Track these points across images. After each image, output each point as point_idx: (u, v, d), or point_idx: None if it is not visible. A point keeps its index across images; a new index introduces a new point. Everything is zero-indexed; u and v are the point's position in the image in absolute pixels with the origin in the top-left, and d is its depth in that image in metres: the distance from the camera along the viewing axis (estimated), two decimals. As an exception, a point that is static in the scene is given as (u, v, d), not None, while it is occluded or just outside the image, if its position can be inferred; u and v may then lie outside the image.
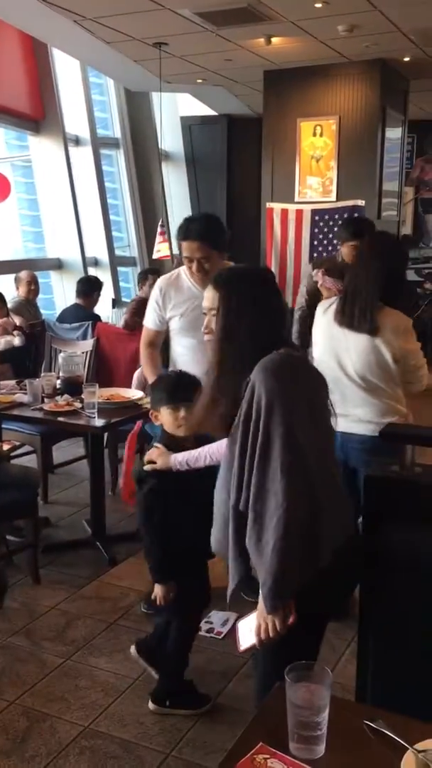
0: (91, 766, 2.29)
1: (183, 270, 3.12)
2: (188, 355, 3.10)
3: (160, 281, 3.23)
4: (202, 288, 2.64)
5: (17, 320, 5.28)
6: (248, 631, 1.69)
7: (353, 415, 2.71)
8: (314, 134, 6.75)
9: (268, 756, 1.26)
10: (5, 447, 3.59)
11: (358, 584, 1.84)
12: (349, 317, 2.68)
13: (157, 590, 2.48)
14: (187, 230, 2.97)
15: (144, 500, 2.43)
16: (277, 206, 6.95)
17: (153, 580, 2.51)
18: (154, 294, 3.19)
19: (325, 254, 6.71)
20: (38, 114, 7.17)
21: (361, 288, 2.68)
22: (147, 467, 2.37)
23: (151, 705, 2.57)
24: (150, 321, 3.24)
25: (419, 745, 1.25)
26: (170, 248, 6.66)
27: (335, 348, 2.75)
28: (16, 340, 4.85)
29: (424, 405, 4.18)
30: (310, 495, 1.59)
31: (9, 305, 5.37)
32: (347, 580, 1.80)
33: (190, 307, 3.06)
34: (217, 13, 5.08)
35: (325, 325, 2.79)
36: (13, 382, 4.10)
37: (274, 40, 5.75)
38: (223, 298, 1.75)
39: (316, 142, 6.76)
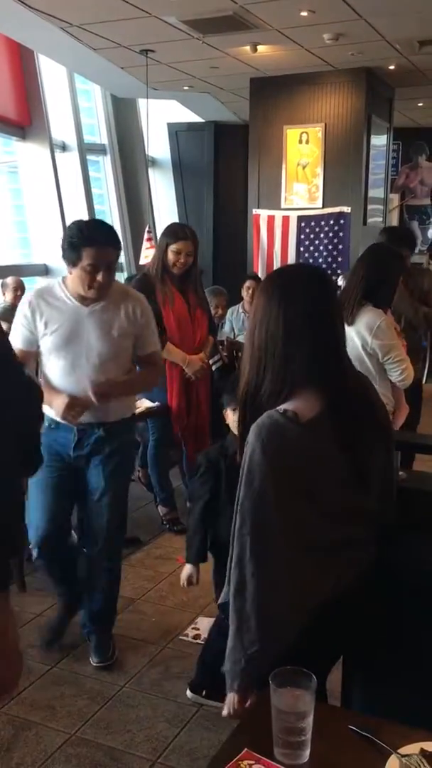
0: (77, 774, 2.29)
1: (57, 282, 2.78)
2: (64, 376, 2.72)
3: (32, 295, 2.81)
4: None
5: (4, 326, 5.25)
6: None
7: None
8: (300, 141, 6.79)
9: (252, 762, 1.26)
10: None
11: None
12: (347, 315, 3.08)
13: (184, 571, 2.65)
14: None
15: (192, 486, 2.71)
16: (263, 213, 6.98)
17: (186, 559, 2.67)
18: (23, 309, 2.75)
19: (311, 260, 6.74)
20: (25, 120, 7.16)
21: (348, 289, 3.19)
22: None
23: (189, 694, 2.64)
24: (18, 339, 2.73)
25: (403, 750, 1.26)
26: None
27: None
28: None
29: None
30: (276, 580, 1.50)
31: (-5, 311, 5.35)
32: (331, 641, 1.66)
33: (65, 323, 2.71)
34: (203, 20, 5.11)
35: None
36: None
37: (260, 48, 5.78)
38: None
39: (302, 150, 6.79)
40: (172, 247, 3.90)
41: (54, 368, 2.73)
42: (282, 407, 1.53)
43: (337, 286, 4.09)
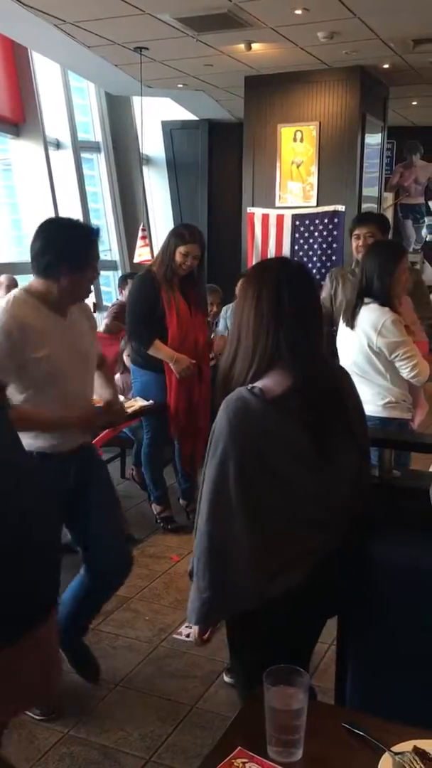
0: (71, 773, 2.28)
1: (23, 297, 2.37)
2: (64, 398, 2.41)
3: (10, 323, 2.29)
4: None
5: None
6: None
7: None
8: (295, 140, 6.79)
9: (246, 760, 1.26)
10: None
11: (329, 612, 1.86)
12: (344, 315, 3.21)
13: None
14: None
15: None
16: (258, 211, 6.98)
17: None
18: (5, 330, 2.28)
19: (305, 259, 6.74)
20: (18, 117, 7.13)
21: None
22: None
23: (226, 677, 2.70)
24: None
25: (396, 748, 1.27)
26: (151, 253, 6.65)
27: (341, 340, 3.26)
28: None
29: None
30: (242, 544, 1.62)
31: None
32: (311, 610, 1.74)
33: (57, 344, 2.37)
34: (197, 18, 5.09)
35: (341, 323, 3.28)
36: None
37: (254, 46, 5.77)
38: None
39: (296, 148, 6.79)
40: (181, 249, 3.87)
41: (51, 392, 2.37)
42: (251, 384, 1.64)
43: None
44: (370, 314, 3.07)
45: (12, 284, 5.91)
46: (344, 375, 1.84)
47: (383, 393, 3.12)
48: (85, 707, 2.60)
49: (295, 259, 6.71)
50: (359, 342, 3.08)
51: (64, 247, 2.35)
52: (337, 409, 1.72)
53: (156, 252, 4.32)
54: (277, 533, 1.64)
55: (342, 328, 3.25)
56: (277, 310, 1.67)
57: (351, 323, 3.12)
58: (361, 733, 1.31)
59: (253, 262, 6.93)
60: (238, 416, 1.59)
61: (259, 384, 1.63)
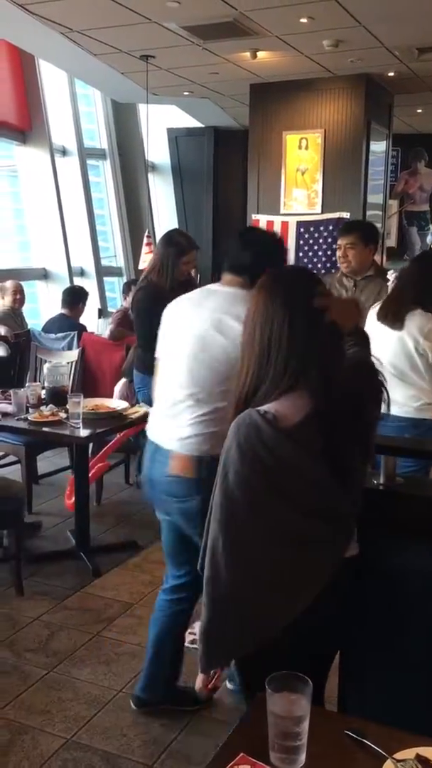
0: (73, 779, 2.29)
1: None
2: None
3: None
4: None
5: (2, 330, 5.27)
6: None
7: (384, 399, 3.01)
8: (300, 147, 6.81)
9: (248, 766, 1.26)
10: None
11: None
12: (385, 316, 3.17)
13: None
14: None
15: None
16: (263, 218, 7.00)
17: None
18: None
19: (310, 266, 6.75)
20: (25, 124, 7.18)
21: (397, 292, 3.29)
22: None
23: (229, 684, 2.68)
24: None
25: (399, 755, 1.27)
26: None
27: (375, 340, 3.03)
28: (0, 351, 4.84)
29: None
30: (247, 575, 1.54)
31: (-6, 315, 5.37)
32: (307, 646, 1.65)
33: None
34: (203, 27, 5.13)
35: (371, 320, 3.22)
36: (-3, 392, 4.09)
37: (259, 54, 5.80)
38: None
39: (301, 155, 6.81)
40: (183, 259, 3.87)
41: None
42: (263, 408, 1.54)
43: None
44: (418, 319, 3.15)
45: (18, 290, 5.94)
46: (367, 376, 1.73)
47: (419, 395, 3.17)
48: (88, 713, 2.60)
49: (301, 265, 6.73)
50: (402, 344, 3.13)
51: (275, 258, 2.39)
52: (355, 429, 1.63)
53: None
54: (290, 558, 1.56)
55: (377, 330, 3.20)
56: (311, 333, 1.57)
57: (397, 326, 3.16)
58: (363, 740, 1.31)
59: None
60: (250, 441, 1.51)
61: (272, 409, 1.54)
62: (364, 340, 1.82)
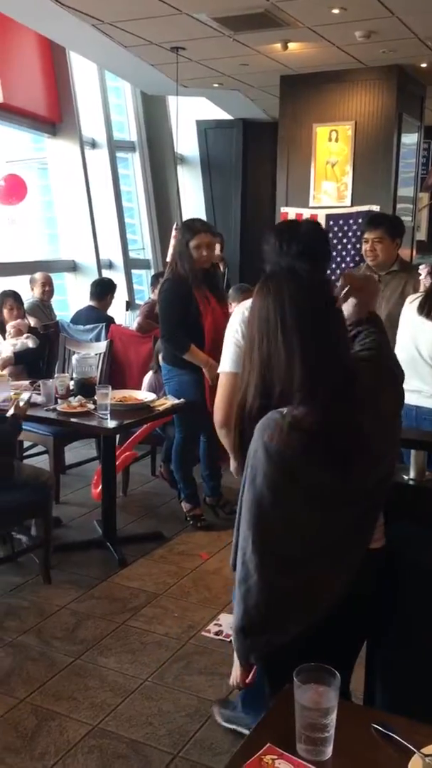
0: (99, 766, 2.31)
1: None
2: None
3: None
4: None
5: (32, 321, 5.31)
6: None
7: (426, 391, 3.10)
8: (330, 139, 6.76)
9: (275, 757, 1.27)
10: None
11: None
12: (424, 309, 3.14)
13: None
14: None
15: None
16: (291, 211, 6.96)
17: None
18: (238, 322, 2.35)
19: (338, 259, 6.71)
20: (55, 117, 7.21)
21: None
22: None
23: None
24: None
25: (426, 749, 1.26)
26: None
27: (415, 334, 3.20)
28: (30, 342, 4.88)
29: None
30: (280, 571, 1.54)
31: (24, 306, 5.41)
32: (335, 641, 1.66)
33: None
34: (234, 18, 5.10)
35: (409, 313, 3.22)
36: (27, 383, 4.13)
37: (290, 45, 5.76)
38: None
39: (331, 147, 6.76)
40: (194, 243, 3.89)
41: None
42: (285, 410, 1.53)
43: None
44: None
45: (46, 282, 5.98)
46: (384, 377, 1.69)
47: None
48: (114, 701, 2.63)
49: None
50: None
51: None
52: (378, 428, 1.60)
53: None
54: (319, 555, 1.57)
55: (413, 320, 3.21)
56: (307, 337, 1.54)
57: None
58: (390, 734, 1.31)
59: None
60: (275, 443, 1.50)
61: (293, 411, 1.52)
62: (379, 326, 1.79)
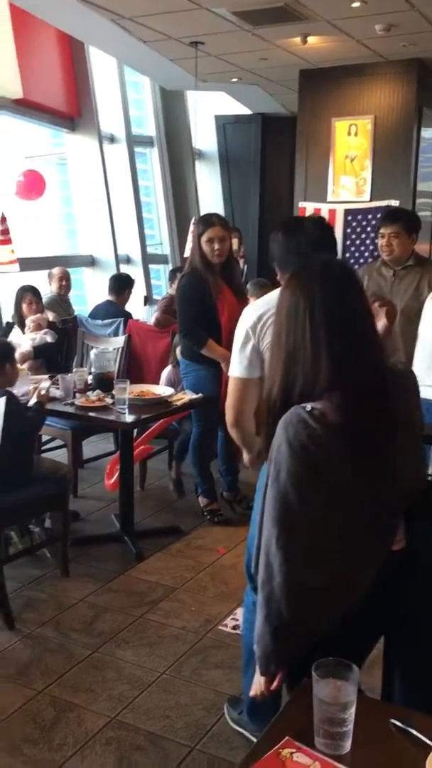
0: (117, 757, 2.33)
1: None
2: None
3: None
4: None
5: (50, 316, 5.34)
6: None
7: None
8: (349, 134, 6.72)
9: (294, 750, 1.27)
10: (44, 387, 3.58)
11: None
12: None
13: None
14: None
15: None
16: (310, 206, 6.93)
17: None
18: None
19: (357, 254, 6.68)
20: (74, 112, 7.24)
21: None
22: None
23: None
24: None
25: (445, 745, 1.26)
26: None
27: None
28: (48, 337, 4.91)
29: None
30: (305, 569, 1.51)
31: (42, 301, 5.44)
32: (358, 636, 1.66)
33: None
34: (253, 12, 5.09)
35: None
36: (45, 377, 4.16)
37: (310, 39, 5.73)
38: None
39: (350, 142, 6.73)
40: (206, 236, 3.91)
41: None
42: (308, 405, 1.51)
43: None
44: None
45: (64, 276, 6.01)
46: (406, 375, 1.70)
47: None
48: (131, 693, 2.65)
49: (346, 254, 6.66)
50: None
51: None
52: (403, 422, 1.59)
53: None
54: (343, 551, 1.55)
55: None
56: (335, 331, 1.54)
57: None
58: (409, 729, 1.31)
59: (304, 257, 6.88)
60: (299, 438, 1.48)
61: (317, 406, 1.51)
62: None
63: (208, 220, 3.97)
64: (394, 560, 1.66)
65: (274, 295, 2.29)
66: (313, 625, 1.54)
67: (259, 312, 2.26)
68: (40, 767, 2.28)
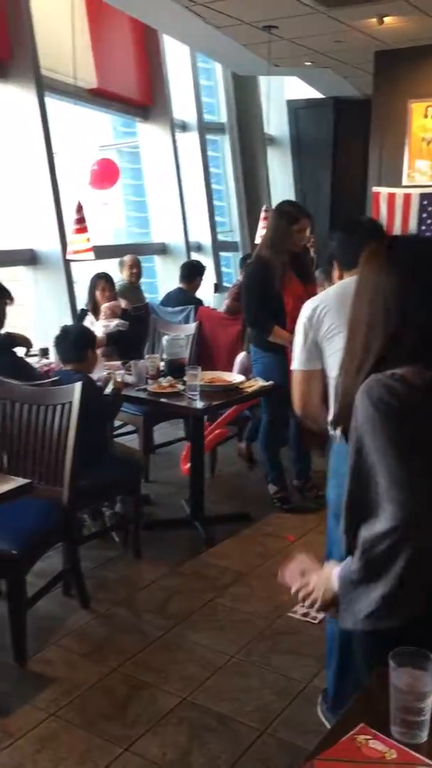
0: (190, 736, 2.37)
1: None
2: None
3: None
4: None
5: (123, 303, 5.42)
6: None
7: None
8: (426, 116, 6.55)
9: (369, 737, 1.26)
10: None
11: None
12: None
13: None
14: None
15: None
16: (384, 190, 6.80)
17: None
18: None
19: (432, 240, 6.52)
20: (147, 100, 7.29)
21: None
22: None
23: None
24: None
25: None
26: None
27: None
28: (121, 326, 4.98)
29: None
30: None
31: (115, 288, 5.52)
32: None
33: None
34: (329, -7, 5.01)
35: None
36: (119, 363, 4.23)
37: (386, 19, 5.60)
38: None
39: (427, 124, 6.55)
40: (296, 228, 3.91)
41: None
42: (388, 371, 1.49)
43: None
44: None
45: (135, 264, 6.07)
46: None
47: None
48: (202, 675, 2.69)
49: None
50: None
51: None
52: None
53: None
54: None
55: None
56: (425, 307, 1.53)
57: None
58: None
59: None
60: (384, 400, 1.45)
61: (397, 371, 1.48)
62: None
63: (302, 210, 4.04)
64: None
65: (331, 290, 2.42)
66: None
67: (314, 305, 2.39)
68: (115, 742, 2.34)
